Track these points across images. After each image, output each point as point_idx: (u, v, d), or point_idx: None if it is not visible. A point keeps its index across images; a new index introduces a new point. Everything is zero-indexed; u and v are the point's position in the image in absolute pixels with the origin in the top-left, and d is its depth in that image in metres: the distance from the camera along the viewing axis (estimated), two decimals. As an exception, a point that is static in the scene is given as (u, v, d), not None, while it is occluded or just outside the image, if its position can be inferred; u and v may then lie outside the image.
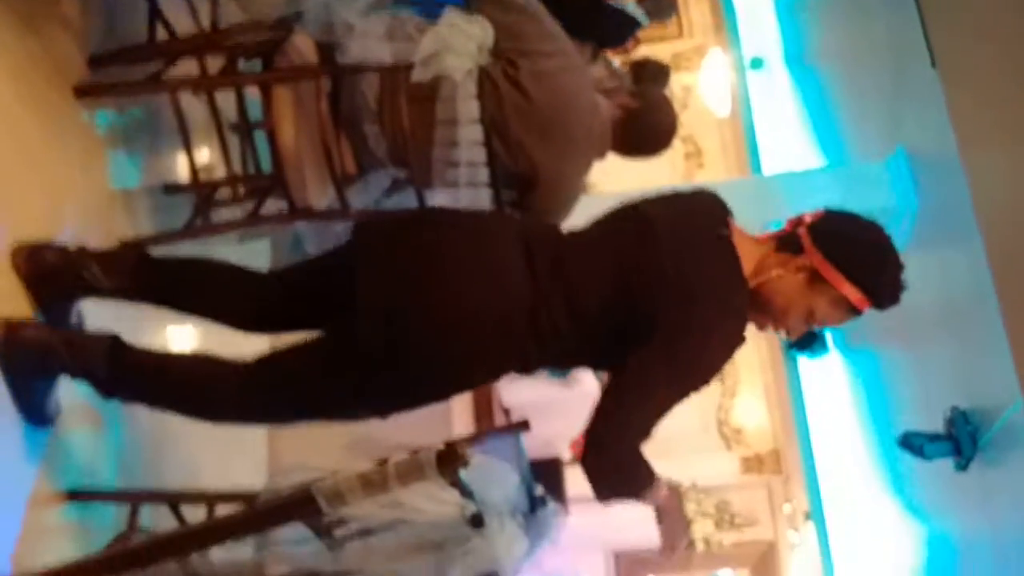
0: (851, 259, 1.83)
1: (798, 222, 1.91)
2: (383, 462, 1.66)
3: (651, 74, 4.85)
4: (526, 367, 1.92)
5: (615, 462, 1.84)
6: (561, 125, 2.48)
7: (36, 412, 1.95)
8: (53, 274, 1.95)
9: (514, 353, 1.87)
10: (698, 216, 1.93)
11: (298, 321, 2.04)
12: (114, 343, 1.91)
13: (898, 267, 1.87)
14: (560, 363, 1.99)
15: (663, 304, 1.79)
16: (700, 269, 1.83)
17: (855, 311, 1.85)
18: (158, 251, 2.34)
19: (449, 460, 1.62)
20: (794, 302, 1.86)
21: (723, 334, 1.82)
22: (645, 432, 1.81)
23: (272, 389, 1.92)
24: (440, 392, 1.96)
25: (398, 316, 1.80)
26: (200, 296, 2.06)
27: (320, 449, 3.70)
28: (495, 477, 1.90)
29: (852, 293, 1.82)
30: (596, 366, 2.04)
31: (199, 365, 1.98)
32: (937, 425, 3.45)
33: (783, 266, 1.85)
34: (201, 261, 2.12)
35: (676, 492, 1.96)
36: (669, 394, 1.81)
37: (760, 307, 1.87)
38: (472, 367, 1.88)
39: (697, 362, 1.81)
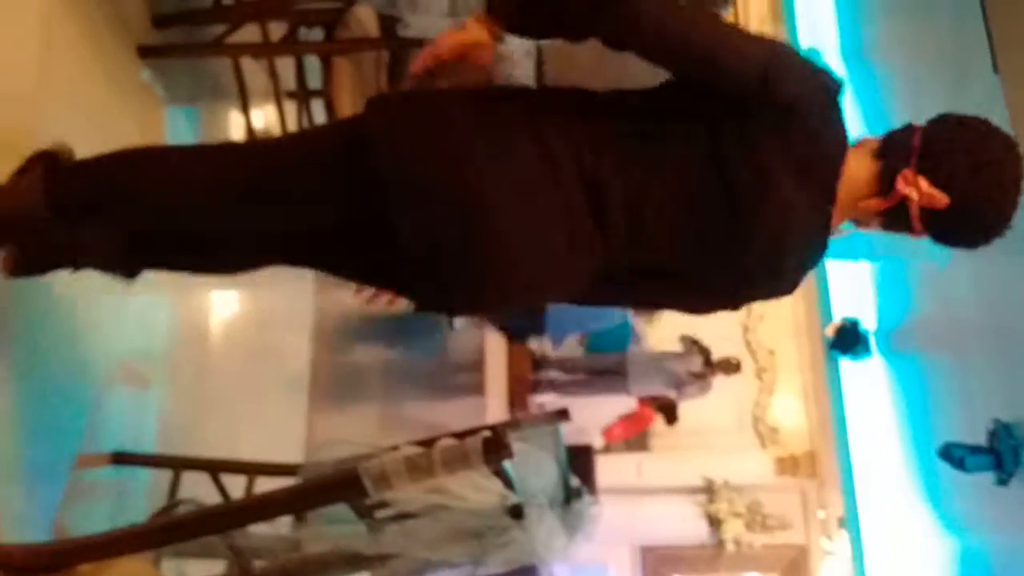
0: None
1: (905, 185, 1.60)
2: (426, 443, 1.63)
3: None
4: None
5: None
6: None
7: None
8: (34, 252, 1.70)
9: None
10: (812, 187, 1.64)
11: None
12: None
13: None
14: None
15: (743, 270, 1.66)
16: (795, 252, 1.67)
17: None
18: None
19: (495, 449, 1.58)
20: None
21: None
22: None
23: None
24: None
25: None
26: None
27: (356, 425, 3.72)
28: (534, 467, 1.86)
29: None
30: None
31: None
32: (979, 437, 3.40)
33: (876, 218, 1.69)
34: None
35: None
36: None
37: None
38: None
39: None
